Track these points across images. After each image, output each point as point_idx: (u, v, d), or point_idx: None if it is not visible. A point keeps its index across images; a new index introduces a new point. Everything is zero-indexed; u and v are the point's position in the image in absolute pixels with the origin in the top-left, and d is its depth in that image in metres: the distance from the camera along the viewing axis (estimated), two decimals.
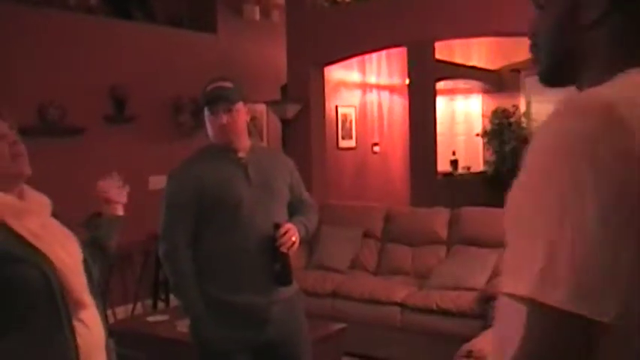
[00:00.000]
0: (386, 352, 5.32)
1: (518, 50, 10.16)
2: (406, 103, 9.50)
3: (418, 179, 9.04)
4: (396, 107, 9.75)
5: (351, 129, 8.81)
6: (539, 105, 10.51)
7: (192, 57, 7.54)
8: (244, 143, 2.95)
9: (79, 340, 1.87)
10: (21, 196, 2.00)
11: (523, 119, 10.35)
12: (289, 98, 7.13)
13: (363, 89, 9.13)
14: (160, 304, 6.65)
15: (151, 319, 4.51)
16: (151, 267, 6.43)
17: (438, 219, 5.99)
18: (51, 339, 1.84)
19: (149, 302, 6.54)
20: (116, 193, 2.36)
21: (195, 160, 3.01)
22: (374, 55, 8.92)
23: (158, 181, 7.06)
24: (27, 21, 6.00)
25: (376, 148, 9.27)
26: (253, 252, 2.83)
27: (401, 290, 5.42)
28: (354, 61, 8.33)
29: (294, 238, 2.85)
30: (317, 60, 6.89)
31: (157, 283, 6.50)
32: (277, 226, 2.82)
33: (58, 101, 6.07)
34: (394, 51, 8.93)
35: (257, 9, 8.25)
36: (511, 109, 10.29)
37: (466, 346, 3.82)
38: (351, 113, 8.84)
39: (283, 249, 2.82)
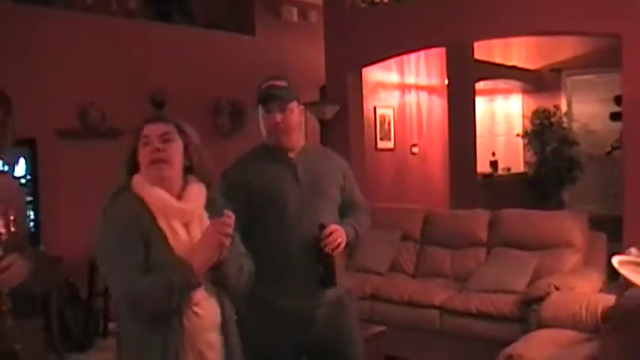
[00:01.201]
0: (425, 356, 5.28)
1: (558, 49, 10.04)
2: (445, 103, 9.42)
3: (457, 180, 8.96)
4: (434, 108, 9.68)
5: (389, 130, 8.77)
6: (580, 105, 10.36)
7: (231, 59, 7.58)
8: (297, 142, 2.96)
9: (188, 325, 2.20)
10: (180, 194, 2.28)
11: (564, 119, 10.20)
12: (328, 99, 7.13)
13: (401, 90, 9.09)
14: None
15: None
16: None
17: (478, 221, 5.92)
18: (163, 323, 2.17)
19: None
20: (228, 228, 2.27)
21: (246, 159, 3.06)
22: (412, 56, 8.87)
23: None
24: (69, 25, 6.10)
25: (415, 149, 9.21)
26: (298, 253, 2.83)
27: (440, 293, 5.38)
28: (393, 61, 8.30)
29: (339, 240, 2.83)
30: (355, 61, 6.87)
31: None
32: (322, 227, 2.80)
33: (99, 104, 6.15)
34: (433, 51, 8.87)
35: (295, 10, 8.26)
36: (552, 110, 10.14)
37: (506, 350, 3.78)
38: (390, 114, 8.80)
39: (327, 250, 2.80)
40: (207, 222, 2.29)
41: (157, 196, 2.23)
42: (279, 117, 2.87)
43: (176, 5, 7.23)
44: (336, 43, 7.09)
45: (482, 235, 5.84)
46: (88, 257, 5.23)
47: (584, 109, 10.30)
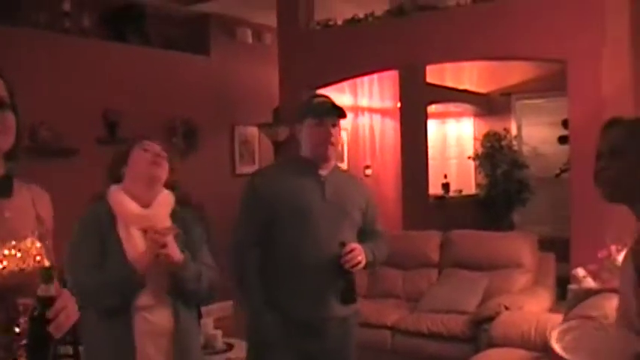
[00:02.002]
0: None
1: (508, 74, 10.24)
2: (398, 126, 9.53)
3: (410, 202, 9.05)
4: (387, 130, 9.78)
5: (343, 152, 8.83)
6: (530, 128, 10.57)
7: (186, 79, 7.57)
8: (332, 161, 3.03)
9: (137, 329, 2.36)
10: (149, 201, 2.50)
11: (514, 142, 10.39)
12: (281, 121, 7.14)
13: (355, 112, 9.17)
14: None
15: None
16: None
17: (430, 242, 5.99)
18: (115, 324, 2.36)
19: None
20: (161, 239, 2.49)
21: (277, 166, 3.24)
22: (366, 79, 8.96)
23: None
24: (21, 42, 6.02)
25: (368, 171, 9.28)
26: (317, 266, 2.88)
27: (392, 313, 5.41)
28: (346, 84, 8.37)
29: (359, 258, 2.87)
30: (309, 83, 6.91)
31: None
32: (343, 244, 2.85)
33: (51, 122, 6.07)
34: (386, 74, 8.97)
35: (249, 32, 8.29)
36: (502, 133, 10.32)
37: None
38: (343, 136, 8.87)
39: (347, 267, 2.84)
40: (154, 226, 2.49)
41: (122, 204, 2.46)
42: (331, 130, 2.93)
43: (131, 25, 7.19)
44: (289, 65, 7.13)
45: (434, 255, 5.91)
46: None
47: (534, 132, 10.51)
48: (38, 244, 1.68)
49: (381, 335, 5.29)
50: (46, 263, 1.67)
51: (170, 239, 2.42)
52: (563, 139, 8.50)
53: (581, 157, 5.49)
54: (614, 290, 3.20)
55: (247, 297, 2.98)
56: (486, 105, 10.80)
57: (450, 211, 9.54)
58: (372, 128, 9.54)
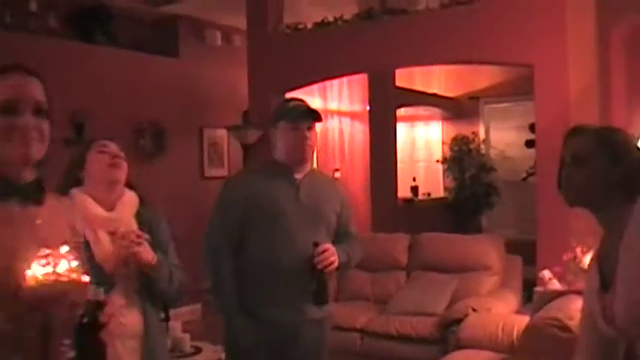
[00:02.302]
0: None
1: (476, 78, 10.32)
2: (367, 129, 9.56)
3: (379, 205, 9.07)
4: (357, 133, 9.81)
5: (314, 154, 8.81)
6: (497, 132, 10.66)
7: (154, 81, 7.52)
8: (307, 164, 3.05)
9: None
10: (113, 204, 2.47)
11: (482, 146, 10.48)
12: (250, 123, 7.13)
13: (324, 115, 9.16)
14: None
15: None
16: None
17: (398, 244, 6.02)
18: None
19: None
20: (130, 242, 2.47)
21: (251, 171, 3.30)
22: (335, 82, 8.98)
23: None
24: None
25: (337, 174, 9.29)
26: (290, 269, 2.89)
27: (361, 316, 5.42)
28: (315, 87, 8.37)
29: (332, 258, 2.89)
30: (278, 86, 6.91)
31: None
32: (316, 245, 2.86)
33: None
34: (355, 78, 9.00)
35: (219, 34, 8.26)
36: (470, 136, 10.40)
37: None
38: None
39: (320, 267, 2.85)
40: (135, 230, 2.48)
41: (87, 208, 2.41)
42: (307, 133, 2.95)
43: (98, 26, 7.13)
44: (259, 68, 7.12)
45: (403, 258, 5.93)
46: None
47: (501, 136, 10.60)
48: (71, 254, 1.61)
49: (350, 338, 5.30)
50: (83, 277, 1.58)
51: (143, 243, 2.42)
52: (530, 143, 8.58)
53: (547, 160, 5.54)
54: (578, 292, 3.24)
55: (221, 302, 2.99)
56: (455, 109, 10.87)
57: (418, 214, 9.58)
58: (341, 131, 9.56)
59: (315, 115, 3.00)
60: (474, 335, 4.28)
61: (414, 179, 10.72)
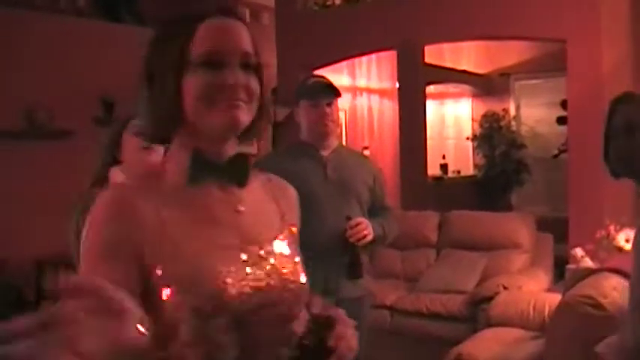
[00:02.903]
0: (376, 355, 5.30)
1: (507, 54, 10.19)
2: (396, 106, 9.48)
3: (408, 182, 9.02)
4: (386, 111, 9.75)
5: (341, 132, 8.80)
6: (528, 109, 10.54)
7: None
8: (333, 140, 3.05)
9: None
10: None
11: (513, 123, 10.36)
12: (279, 101, 7.12)
13: (353, 93, 9.13)
14: None
15: None
16: None
17: (428, 222, 6.00)
18: None
19: None
20: None
21: (278, 153, 3.29)
22: (364, 59, 8.92)
23: None
24: (15, 23, 5.98)
25: (366, 152, 9.25)
26: (325, 249, 2.88)
27: (391, 293, 5.42)
28: (344, 64, 8.33)
29: (365, 232, 2.88)
30: (307, 63, 6.89)
31: None
32: (349, 218, 2.87)
33: (47, 104, 6.05)
34: (384, 55, 8.93)
35: (247, 11, 8.23)
36: (501, 113, 10.29)
37: (456, 349, 3.84)
38: (341, 117, 8.84)
39: (353, 240, 2.85)
40: None
41: None
42: (327, 109, 2.95)
43: (125, 5, 7.14)
44: (287, 45, 7.10)
45: (433, 236, 5.91)
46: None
47: (532, 113, 10.48)
48: (287, 251, 1.31)
49: (380, 315, 5.30)
50: (301, 278, 1.31)
51: None
52: (561, 120, 8.47)
53: (580, 137, 5.48)
54: (612, 270, 3.21)
55: None
56: (485, 85, 10.75)
57: (448, 192, 9.53)
58: (370, 109, 9.51)
59: (334, 91, 2.99)
60: (504, 313, 4.26)
61: (444, 157, 10.66)
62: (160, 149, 2.37)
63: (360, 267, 2.92)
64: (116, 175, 2.39)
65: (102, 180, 2.39)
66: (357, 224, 2.86)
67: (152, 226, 1.17)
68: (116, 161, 2.42)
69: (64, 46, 6.36)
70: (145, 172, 1.48)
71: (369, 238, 2.89)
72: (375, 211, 3.09)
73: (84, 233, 1.20)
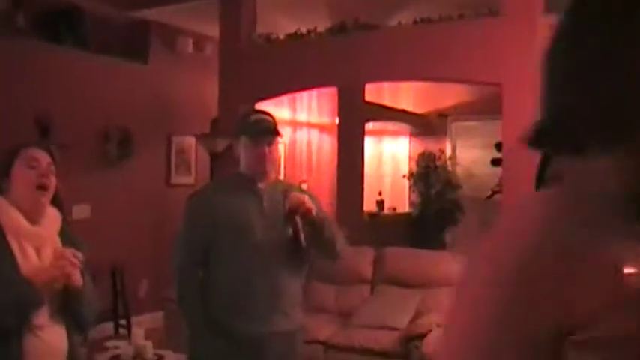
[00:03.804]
0: None
1: (445, 96, 10.43)
2: (335, 141, 9.59)
3: (344, 218, 9.08)
4: (325, 146, 9.83)
5: (279, 166, 8.82)
6: (464, 150, 10.77)
7: (122, 87, 7.46)
8: (271, 175, 3.05)
9: (30, 349, 2.19)
10: (37, 219, 2.35)
11: (449, 163, 10.58)
12: (219, 132, 7.10)
13: (293, 127, 9.19)
14: (122, 330, 6.56)
15: (109, 344, 4.42)
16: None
17: (363, 258, 6.03)
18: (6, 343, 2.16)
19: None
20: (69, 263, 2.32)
21: (215, 185, 3.30)
22: (305, 94, 9.00)
23: (82, 211, 6.93)
24: None
25: (304, 186, 9.29)
26: (258, 280, 2.89)
27: (324, 328, 5.42)
28: (285, 98, 8.39)
29: (305, 201, 2.88)
30: (248, 95, 6.90)
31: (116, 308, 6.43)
32: (285, 195, 2.90)
33: None
34: (325, 90, 9.03)
35: (190, 42, 8.23)
36: (437, 153, 10.50)
37: None
38: (280, 150, 8.87)
39: (290, 206, 2.86)
40: (59, 248, 2.37)
41: (12, 219, 2.29)
42: (267, 150, 2.95)
43: (68, 28, 7.05)
44: (230, 77, 7.11)
45: (367, 272, 5.95)
46: None
47: (468, 154, 10.71)
48: None
49: (313, 350, 5.28)
50: None
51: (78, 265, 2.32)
52: (495, 162, 8.67)
53: (513, 179, 5.62)
54: None
55: (188, 319, 2.99)
56: (423, 125, 10.96)
57: (383, 228, 9.62)
58: (309, 143, 9.58)
59: (275, 133, 3.00)
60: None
61: (380, 193, 10.78)
62: (54, 183, 2.38)
63: (301, 237, 2.91)
64: (1, 203, 2.32)
65: None
66: (297, 196, 2.90)
67: None
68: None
69: (1, 67, 6.24)
70: None
71: (309, 208, 2.87)
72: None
73: None
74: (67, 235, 2.44)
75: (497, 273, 0.77)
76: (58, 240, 2.39)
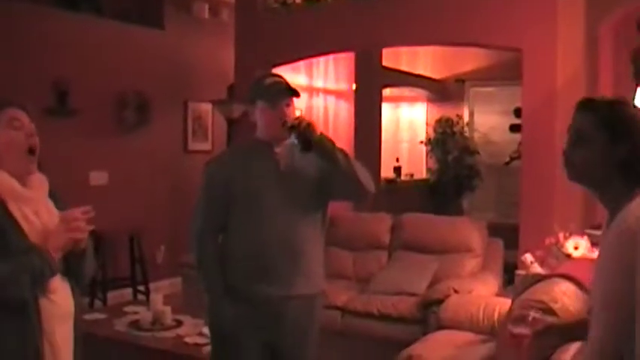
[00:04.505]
0: (325, 356, 5.30)
1: (463, 61, 10.32)
2: (352, 108, 9.53)
3: None
4: (341, 112, 9.76)
5: None
6: (482, 116, 10.68)
7: (139, 52, 7.43)
8: (287, 138, 2.97)
9: (45, 313, 2.17)
10: (25, 182, 2.25)
11: (466, 129, 10.50)
12: (235, 98, 7.08)
13: (309, 93, 9.12)
14: (98, 303, 6.54)
15: (88, 317, 4.41)
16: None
17: (381, 224, 6.02)
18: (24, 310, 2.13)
19: (86, 300, 6.40)
20: (84, 224, 2.26)
21: (232, 151, 3.28)
22: (322, 59, 8.91)
23: (99, 177, 6.95)
24: None
25: None
26: (277, 244, 2.89)
27: (342, 294, 5.42)
28: (302, 64, 8.32)
29: (300, 115, 2.91)
30: (265, 61, 6.85)
31: (95, 281, 6.39)
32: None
33: None
34: (342, 56, 8.94)
35: (206, 7, 8.17)
36: (455, 119, 10.42)
37: (406, 351, 3.86)
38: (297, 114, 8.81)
39: (288, 121, 2.83)
40: (53, 210, 2.30)
41: (8, 185, 2.19)
42: (285, 110, 2.90)
43: None
44: (246, 42, 7.06)
45: (385, 238, 5.94)
46: None
47: (485, 119, 10.63)
48: None
49: (330, 315, 5.29)
50: None
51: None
52: (514, 128, 8.61)
53: (533, 145, 5.57)
54: (561, 276, 3.26)
55: (207, 285, 3.00)
56: (440, 91, 10.87)
57: (400, 195, 9.60)
58: (326, 110, 9.51)
59: (292, 92, 2.95)
60: (454, 316, 4.30)
61: (397, 160, 10.74)
62: (37, 140, 2.26)
63: (308, 139, 2.76)
64: None
65: None
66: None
67: None
68: None
69: (18, 33, 6.22)
70: None
71: (312, 122, 2.81)
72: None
73: None
74: (55, 197, 2.36)
75: None
76: (49, 202, 2.32)
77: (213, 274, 2.96)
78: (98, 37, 6.99)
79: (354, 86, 9.48)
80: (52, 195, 2.36)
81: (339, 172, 2.84)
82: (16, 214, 2.17)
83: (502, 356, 3.21)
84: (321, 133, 2.80)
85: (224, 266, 2.96)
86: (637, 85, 4.98)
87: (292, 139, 2.83)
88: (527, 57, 5.56)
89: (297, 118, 2.84)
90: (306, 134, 2.76)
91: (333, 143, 2.83)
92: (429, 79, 10.73)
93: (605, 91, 5.79)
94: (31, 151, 2.25)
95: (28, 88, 6.16)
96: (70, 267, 2.31)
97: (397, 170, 10.59)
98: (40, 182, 2.33)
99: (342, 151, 2.87)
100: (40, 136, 2.32)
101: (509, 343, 2.15)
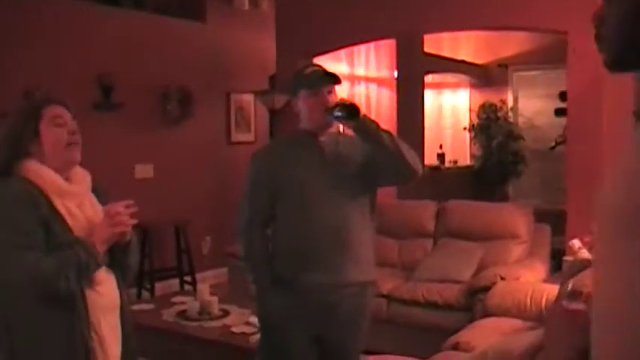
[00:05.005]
0: (372, 344, 5.30)
1: (506, 45, 10.17)
2: (394, 95, 9.47)
3: None
4: (383, 100, 9.73)
5: None
6: (526, 100, 10.53)
7: (181, 46, 7.50)
8: (332, 128, 3.03)
9: (93, 305, 2.23)
10: (68, 177, 2.31)
11: (510, 114, 10.36)
12: (277, 88, 7.10)
13: (351, 81, 9.11)
14: (145, 294, 6.64)
15: (135, 307, 4.48)
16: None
17: (425, 212, 5.99)
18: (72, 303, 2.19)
19: (133, 291, 6.50)
20: (127, 218, 2.33)
21: (277, 143, 3.30)
22: (362, 47, 8.88)
23: (144, 170, 7.04)
24: (14, 6, 5.94)
25: None
26: (325, 232, 2.90)
27: (387, 282, 5.42)
28: (343, 52, 8.30)
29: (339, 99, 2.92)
30: (306, 50, 6.86)
31: (142, 272, 6.49)
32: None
33: (45, 87, 6.01)
34: (383, 43, 8.90)
35: None
36: (498, 104, 10.28)
37: (453, 338, 3.84)
38: None
39: (329, 105, 2.86)
40: (97, 204, 2.36)
41: (52, 181, 2.24)
42: (328, 97, 2.91)
43: None
44: (287, 32, 7.07)
45: (430, 225, 5.91)
46: None
47: (530, 104, 10.48)
48: None
49: (376, 304, 5.27)
50: None
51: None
52: (559, 112, 8.46)
53: (578, 129, 5.48)
54: None
55: (255, 276, 3.04)
56: (483, 76, 10.74)
57: (444, 182, 9.52)
58: (368, 98, 9.48)
59: (333, 78, 2.96)
60: (501, 303, 4.27)
61: (441, 147, 10.64)
62: (80, 139, 2.31)
63: (352, 105, 2.83)
64: (33, 165, 2.25)
65: (5, 171, 2.25)
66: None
67: None
68: (28, 154, 2.27)
69: (63, 30, 6.33)
70: None
71: (352, 101, 2.86)
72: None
73: None
74: (99, 192, 2.42)
75: None
76: (92, 196, 2.38)
77: (261, 266, 2.98)
78: (140, 31, 7.07)
79: (395, 73, 9.43)
80: (95, 189, 2.41)
81: (385, 153, 2.83)
82: (61, 209, 2.23)
83: (551, 343, 3.17)
84: (364, 115, 2.81)
85: (273, 257, 2.98)
86: None
87: (336, 113, 2.82)
88: (572, 39, 5.46)
89: (341, 99, 2.87)
90: (351, 106, 2.79)
91: (377, 124, 2.84)
92: (472, 64, 10.61)
93: None
94: (70, 143, 2.30)
95: (74, 83, 6.27)
96: (116, 259, 2.37)
97: (441, 157, 10.50)
98: (82, 177, 2.38)
99: (386, 131, 2.87)
100: (86, 130, 2.37)
101: (564, 319, 2.11)
